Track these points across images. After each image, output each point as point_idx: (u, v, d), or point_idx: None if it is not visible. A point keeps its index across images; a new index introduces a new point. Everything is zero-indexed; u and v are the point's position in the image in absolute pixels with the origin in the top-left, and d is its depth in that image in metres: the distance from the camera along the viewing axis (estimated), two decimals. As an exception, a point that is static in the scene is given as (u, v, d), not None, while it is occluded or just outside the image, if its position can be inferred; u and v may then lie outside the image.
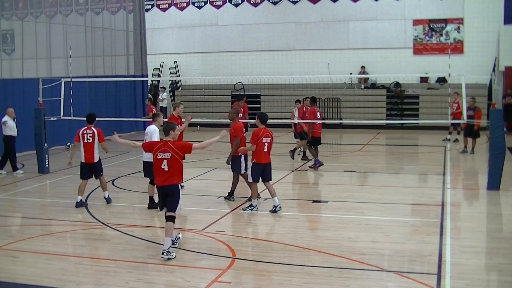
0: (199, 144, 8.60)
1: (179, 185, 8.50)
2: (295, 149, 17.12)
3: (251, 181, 10.89)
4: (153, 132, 11.20)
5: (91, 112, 12.26)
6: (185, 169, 15.50)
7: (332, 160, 15.92)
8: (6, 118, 15.35)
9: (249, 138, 11.05)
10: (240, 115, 17.04)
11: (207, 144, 8.63)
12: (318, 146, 15.80)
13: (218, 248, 8.77)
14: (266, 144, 10.75)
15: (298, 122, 16.53)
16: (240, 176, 11.75)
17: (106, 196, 11.82)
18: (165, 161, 8.30)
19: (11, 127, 15.33)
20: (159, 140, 11.08)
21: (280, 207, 10.69)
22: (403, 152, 19.55)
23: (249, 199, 11.23)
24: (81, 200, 11.55)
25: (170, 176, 8.33)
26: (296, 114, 17.41)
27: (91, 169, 11.62)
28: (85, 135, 11.50)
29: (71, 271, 7.92)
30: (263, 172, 10.82)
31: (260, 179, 10.90)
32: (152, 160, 10.79)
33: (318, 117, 15.35)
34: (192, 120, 13.38)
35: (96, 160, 11.62)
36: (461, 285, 7.15)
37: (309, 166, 15.56)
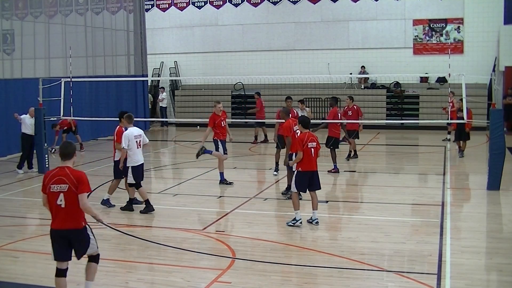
0: (88, 205, 6.56)
1: (86, 226, 6.59)
2: (353, 150, 17.12)
3: (295, 191, 10.02)
4: (143, 134, 11.15)
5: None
6: (186, 169, 15.59)
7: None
8: (24, 116, 15.59)
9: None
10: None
11: (89, 211, 6.56)
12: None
13: (218, 248, 8.77)
14: (312, 149, 10.00)
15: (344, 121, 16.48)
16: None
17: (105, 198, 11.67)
18: (61, 194, 6.34)
19: (27, 125, 15.53)
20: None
21: (317, 222, 9.99)
22: (403, 152, 19.55)
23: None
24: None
25: (70, 216, 6.38)
26: (300, 113, 17.32)
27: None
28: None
29: (71, 271, 7.88)
30: (310, 180, 10.04)
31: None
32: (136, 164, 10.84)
33: (339, 118, 15.03)
34: (191, 120, 13.52)
35: (115, 159, 11.49)
36: (461, 285, 7.15)
37: (328, 171, 14.96)
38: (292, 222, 9.93)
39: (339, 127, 15.23)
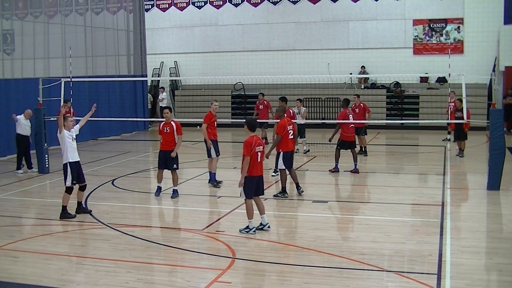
0: None
1: None
2: (363, 147, 17.68)
3: (244, 198, 9.52)
4: (61, 138, 10.73)
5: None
6: (186, 169, 15.60)
7: (333, 160, 15.95)
8: (19, 116, 15.58)
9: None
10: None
11: None
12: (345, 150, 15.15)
13: (218, 248, 8.77)
14: (259, 153, 9.50)
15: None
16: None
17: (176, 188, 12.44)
18: None
19: (22, 126, 15.54)
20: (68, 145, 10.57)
21: (269, 226, 9.62)
22: (403, 152, 19.55)
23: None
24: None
25: None
26: (296, 111, 17.38)
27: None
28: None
29: (71, 271, 7.93)
30: (257, 185, 9.59)
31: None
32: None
33: (351, 119, 14.86)
34: (191, 120, 13.58)
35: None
36: (461, 285, 7.15)
37: (330, 170, 14.98)
38: (245, 230, 9.52)
39: (351, 130, 14.96)
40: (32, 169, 15.76)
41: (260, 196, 9.72)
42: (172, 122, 12.29)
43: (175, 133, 12.24)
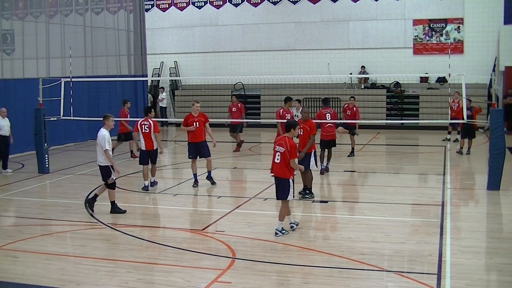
0: None
1: None
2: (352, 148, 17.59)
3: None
4: (100, 138, 10.73)
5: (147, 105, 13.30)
6: (186, 169, 15.60)
7: (332, 160, 15.99)
8: None
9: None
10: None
11: None
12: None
13: (218, 248, 8.77)
14: (277, 153, 9.21)
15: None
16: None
17: (152, 181, 13.19)
18: None
19: (0, 126, 15.46)
20: (107, 147, 10.61)
21: (283, 232, 9.41)
22: (403, 152, 19.55)
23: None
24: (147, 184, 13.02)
25: None
26: (295, 113, 17.40)
27: (149, 155, 12.94)
28: (143, 126, 12.81)
29: (71, 271, 7.93)
30: (276, 186, 9.42)
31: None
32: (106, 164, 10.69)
33: (329, 119, 14.69)
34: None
35: (154, 147, 12.94)
36: (461, 285, 7.15)
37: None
38: (282, 232, 9.41)
39: (329, 129, 14.92)
40: (7, 169, 15.59)
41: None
42: (149, 120, 12.90)
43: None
